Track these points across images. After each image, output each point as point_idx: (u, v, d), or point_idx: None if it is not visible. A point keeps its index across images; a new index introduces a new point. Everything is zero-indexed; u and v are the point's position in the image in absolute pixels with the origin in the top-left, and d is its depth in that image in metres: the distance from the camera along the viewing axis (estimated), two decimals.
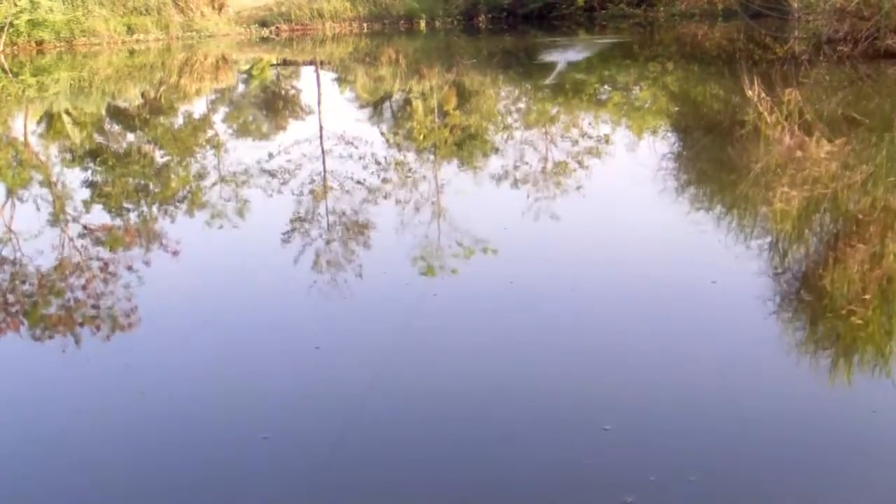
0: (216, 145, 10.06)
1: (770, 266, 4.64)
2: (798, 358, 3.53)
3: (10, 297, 4.81)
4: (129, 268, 5.20)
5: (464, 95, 12.69)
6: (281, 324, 4.20)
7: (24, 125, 12.41)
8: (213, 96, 15.00)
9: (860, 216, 5.30)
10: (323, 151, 9.02)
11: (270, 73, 18.21)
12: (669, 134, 9.25)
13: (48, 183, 8.36)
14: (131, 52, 21.68)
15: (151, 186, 7.92)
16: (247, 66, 19.55)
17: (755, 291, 4.19)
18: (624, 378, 3.39)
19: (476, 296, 4.43)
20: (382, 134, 10.42)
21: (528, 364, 3.56)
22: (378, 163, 8.09)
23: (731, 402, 3.16)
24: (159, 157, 9.50)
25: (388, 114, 12.34)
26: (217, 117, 12.73)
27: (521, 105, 12.04)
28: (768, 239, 5.16)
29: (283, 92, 15.60)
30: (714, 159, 7.48)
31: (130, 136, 11.05)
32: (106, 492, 2.82)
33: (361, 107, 13.30)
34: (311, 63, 19.76)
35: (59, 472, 2.94)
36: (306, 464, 2.90)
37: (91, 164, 9.09)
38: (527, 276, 4.66)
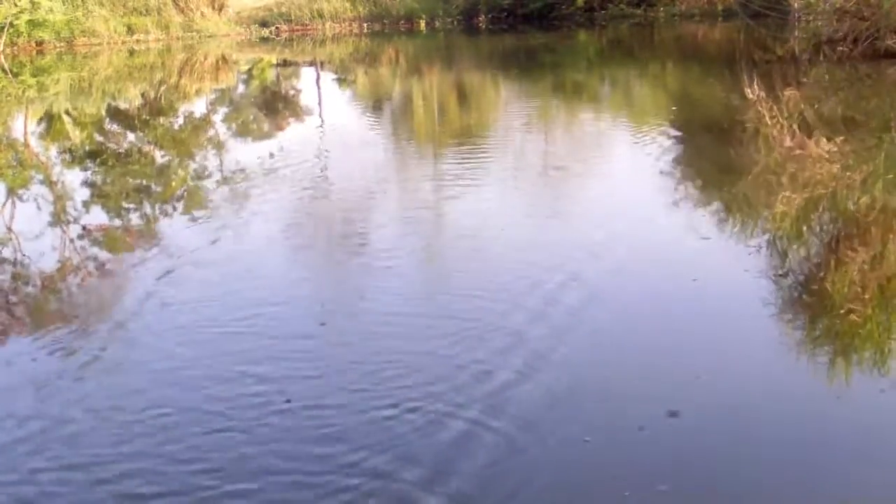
0: (216, 145, 10.06)
1: (767, 266, 4.63)
2: (795, 357, 3.53)
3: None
4: (129, 267, 5.20)
5: (464, 94, 12.69)
6: (273, 323, 4.21)
7: (24, 125, 12.41)
8: (213, 96, 15.00)
9: (860, 216, 5.30)
10: (322, 151, 9.02)
11: (270, 74, 18.21)
12: (669, 134, 9.24)
13: (48, 183, 8.36)
14: (131, 53, 21.68)
15: (151, 186, 7.92)
16: (247, 67, 19.55)
17: (751, 291, 4.19)
18: (611, 382, 3.39)
19: (470, 296, 4.42)
20: (382, 133, 10.42)
21: (514, 368, 3.54)
22: (377, 162, 8.09)
23: (725, 406, 3.17)
24: (159, 157, 9.49)
25: (388, 113, 12.34)
26: (217, 117, 12.72)
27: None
28: (767, 239, 5.15)
29: (283, 92, 15.59)
30: (714, 159, 7.47)
31: (130, 137, 11.05)
32: (102, 491, 2.82)
33: (361, 106, 13.31)
34: (312, 63, 19.76)
35: (37, 472, 2.95)
36: (291, 464, 2.91)
37: (91, 165, 9.09)
38: (522, 275, 4.65)
